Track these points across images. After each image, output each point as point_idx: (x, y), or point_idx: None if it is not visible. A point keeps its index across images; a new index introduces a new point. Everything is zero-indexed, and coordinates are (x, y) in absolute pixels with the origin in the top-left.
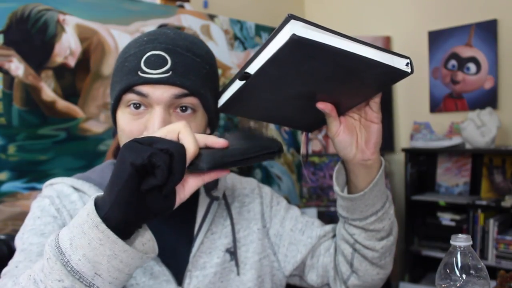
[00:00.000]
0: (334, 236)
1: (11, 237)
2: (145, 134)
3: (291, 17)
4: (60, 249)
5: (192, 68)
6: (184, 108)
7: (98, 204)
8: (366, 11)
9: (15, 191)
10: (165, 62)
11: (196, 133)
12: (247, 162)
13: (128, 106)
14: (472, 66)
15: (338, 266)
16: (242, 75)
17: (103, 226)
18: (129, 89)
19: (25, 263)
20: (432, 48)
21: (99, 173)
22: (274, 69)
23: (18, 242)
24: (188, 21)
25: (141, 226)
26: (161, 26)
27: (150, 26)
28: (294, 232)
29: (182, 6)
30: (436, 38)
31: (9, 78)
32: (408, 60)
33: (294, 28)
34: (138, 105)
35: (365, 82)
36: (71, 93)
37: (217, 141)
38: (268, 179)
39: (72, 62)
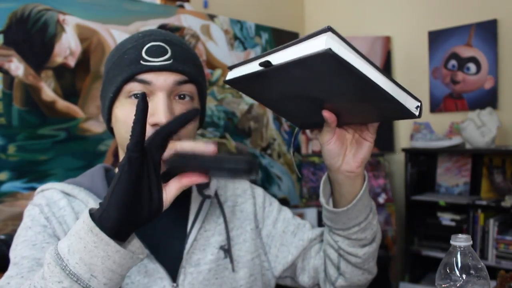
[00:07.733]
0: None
1: (11, 237)
2: (152, 120)
3: (329, 29)
4: (59, 255)
5: (189, 58)
6: (182, 96)
7: (93, 212)
8: (366, 11)
9: (15, 191)
10: (166, 51)
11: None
12: (214, 172)
13: (129, 97)
14: (472, 66)
15: (327, 269)
16: (263, 62)
17: (97, 229)
18: (131, 78)
19: (17, 279)
20: (432, 48)
21: (89, 178)
22: (296, 70)
23: (12, 254)
24: (188, 21)
25: (132, 232)
26: (161, 26)
27: (150, 26)
28: (286, 234)
29: (182, 6)
30: (436, 38)
31: (9, 78)
32: (419, 104)
33: (330, 42)
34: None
35: (373, 109)
36: (71, 93)
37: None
38: (268, 179)
39: (72, 62)
